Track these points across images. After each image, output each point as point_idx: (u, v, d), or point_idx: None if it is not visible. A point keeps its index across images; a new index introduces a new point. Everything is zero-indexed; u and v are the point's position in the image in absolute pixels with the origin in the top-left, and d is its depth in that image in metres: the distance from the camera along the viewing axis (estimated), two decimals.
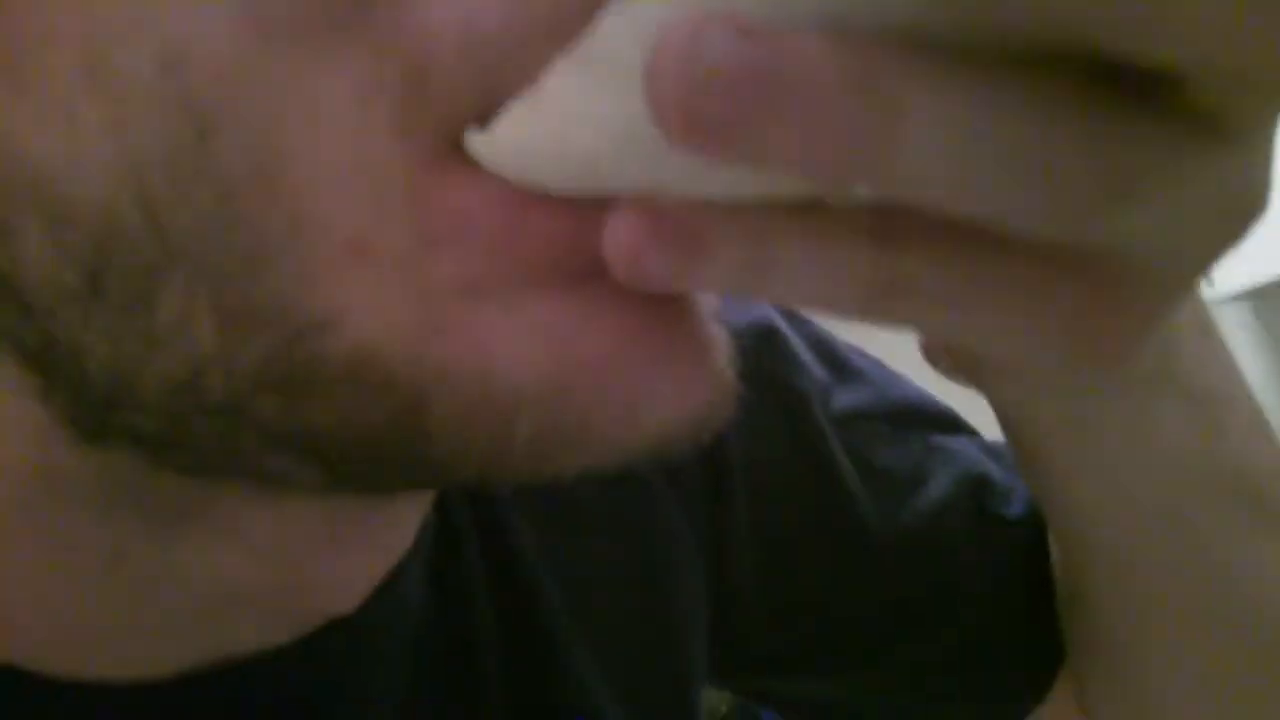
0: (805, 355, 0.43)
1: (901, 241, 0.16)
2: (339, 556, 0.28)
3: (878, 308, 0.16)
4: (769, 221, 0.16)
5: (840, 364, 0.44)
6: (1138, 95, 0.13)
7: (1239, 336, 1.44)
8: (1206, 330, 0.32)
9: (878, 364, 0.46)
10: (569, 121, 0.16)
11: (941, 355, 0.22)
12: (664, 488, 0.39)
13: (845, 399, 0.43)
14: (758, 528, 0.41)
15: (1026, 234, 0.15)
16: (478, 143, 0.18)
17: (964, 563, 0.42)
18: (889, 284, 0.16)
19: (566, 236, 0.18)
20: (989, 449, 0.45)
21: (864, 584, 0.42)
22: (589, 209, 0.18)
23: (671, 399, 0.20)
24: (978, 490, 0.43)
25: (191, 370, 0.19)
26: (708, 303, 0.21)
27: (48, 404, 0.21)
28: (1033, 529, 0.43)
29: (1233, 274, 1.41)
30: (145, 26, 0.17)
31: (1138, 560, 0.34)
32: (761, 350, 0.42)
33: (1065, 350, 0.17)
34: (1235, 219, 0.16)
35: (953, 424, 0.46)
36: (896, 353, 0.47)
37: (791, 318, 0.45)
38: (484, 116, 0.18)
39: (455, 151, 0.18)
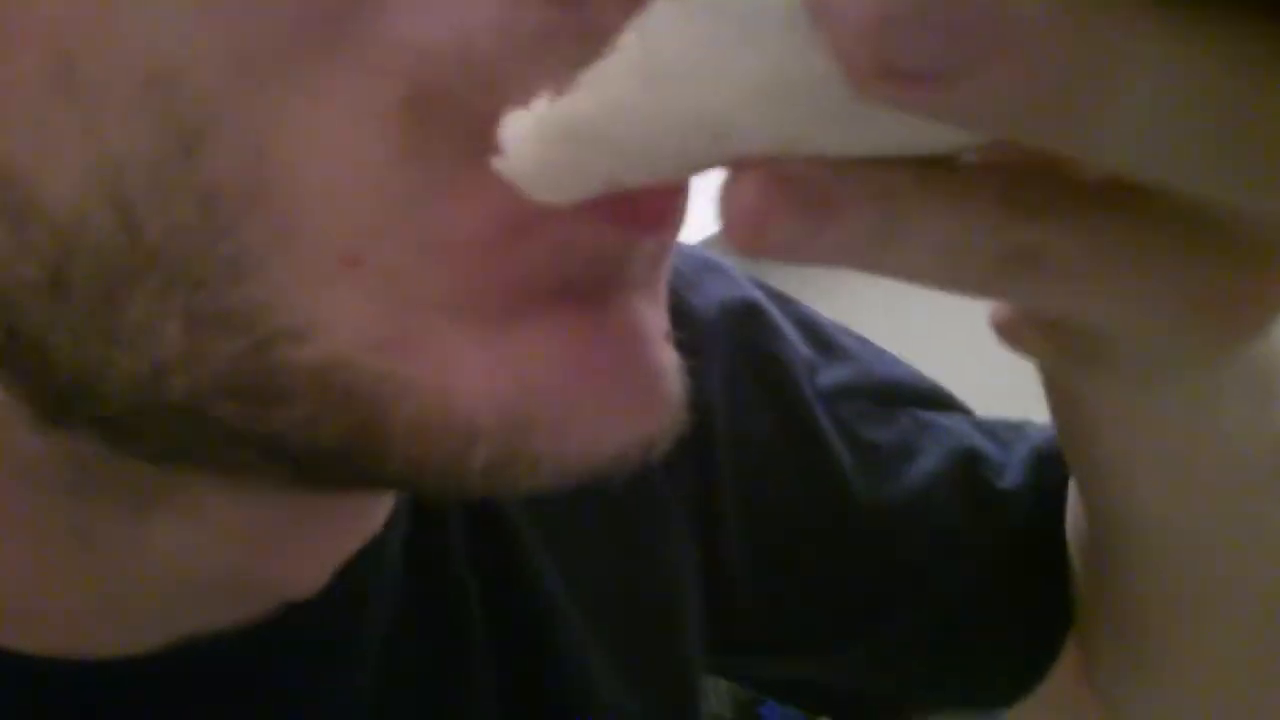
0: (790, 333, 0.43)
1: (1035, 207, 0.15)
2: (305, 539, 0.28)
3: (1004, 280, 0.15)
4: (898, 182, 0.15)
5: (826, 341, 0.44)
6: None
7: None
8: None
9: (864, 341, 0.45)
10: (685, 84, 0.14)
11: (1027, 332, 0.21)
12: (651, 465, 0.39)
13: (831, 375, 0.43)
14: (746, 503, 0.40)
15: (1203, 200, 0.14)
16: (516, 148, 0.16)
17: (956, 537, 0.42)
18: (1018, 254, 0.15)
19: (555, 254, 0.19)
20: (980, 425, 0.45)
21: (855, 557, 0.41)
22: (576, 225, 0.18)
23: (624, 425, 0.21)
24: (969, 464, 0.42)
25: (154, 370, 0.19)
26: (659, 324, 0.21)
27: (9, 390, 0.21)
28: (1027, 503, 0.42)
29: None
30: (122, 42, 0.17)
31: (1188, 542, 0.34)
32: (745, 326, 0.42)
33: (1201, 321, 0.16)
34: None
35: (942, 400, 0.45)
36: (885, 333, 0.47)
37: (775, 297, 0.44)
38: (487, 131, 0.17)
39: (459, 166, 0.18)
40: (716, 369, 0.40)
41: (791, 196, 0.14)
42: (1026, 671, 0.43)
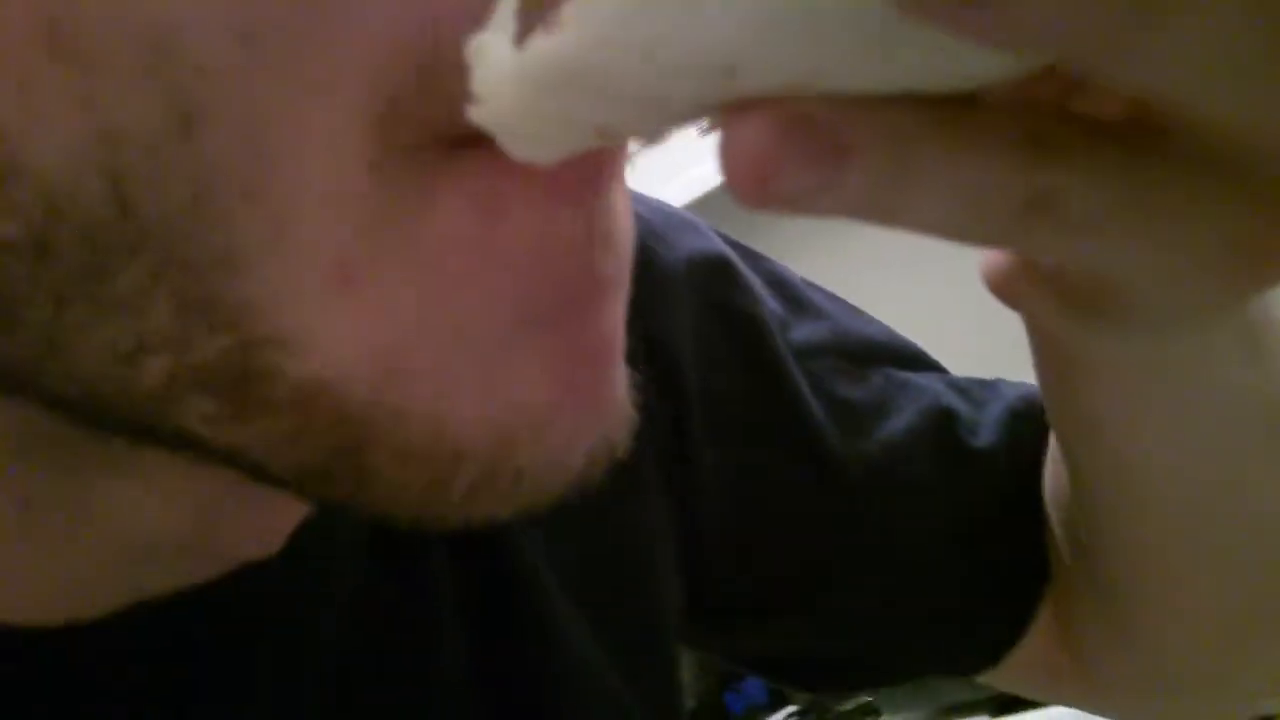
0: (760, 289, 0.42)
1: (1055, 147, 0.14)
2: (260, 502, 0.27)
3: (1024, 228, 0.15)
4: (913, 124, 0.14)
5: (797, 298, 0.43)
6: None
7: None
8: None
9: (836, 299, 0.45)
10: (690, 13, 0.13)
11: (1027, 286, 0.21)
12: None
13: (803, 332, 0.42)
14: (720, 460, 0.39)
15: (1234, 137, 0.14)
16: (493, 94, 0.15)
17: (930, 495, 0.41)
18: (1039, 199, 0.14)
19: (540, 255, 0.19)
20: (953, 383, 0.44)
21: (829, 515, 0.40)
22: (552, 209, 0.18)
23: (592, 434, 0.21)
24: (943, 423, 0.42)
25: (136, 345, 0.18)
26: (618, 336, 0.21)
27: None
28: (1002, 461, 0.42)
29: None
30: (126, 4, 0.16)
31: (1178, 502, 0.34)
32: (714, 280, 0.41)
33: (1219, 268, 0.16)
34: None
35: (915, 359, 0.44)
36: (856, 291, 0.46)
37: (745, 253, 0.43)
38: (460, 129, 0.16)
39: (439, 168, 0.18)
40: (685, 323, 0.39)
41: (802, 141, 0.13)
42: (1001, 634, 0.43)
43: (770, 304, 0.42)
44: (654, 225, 0.40)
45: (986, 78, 0.14)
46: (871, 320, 0.45)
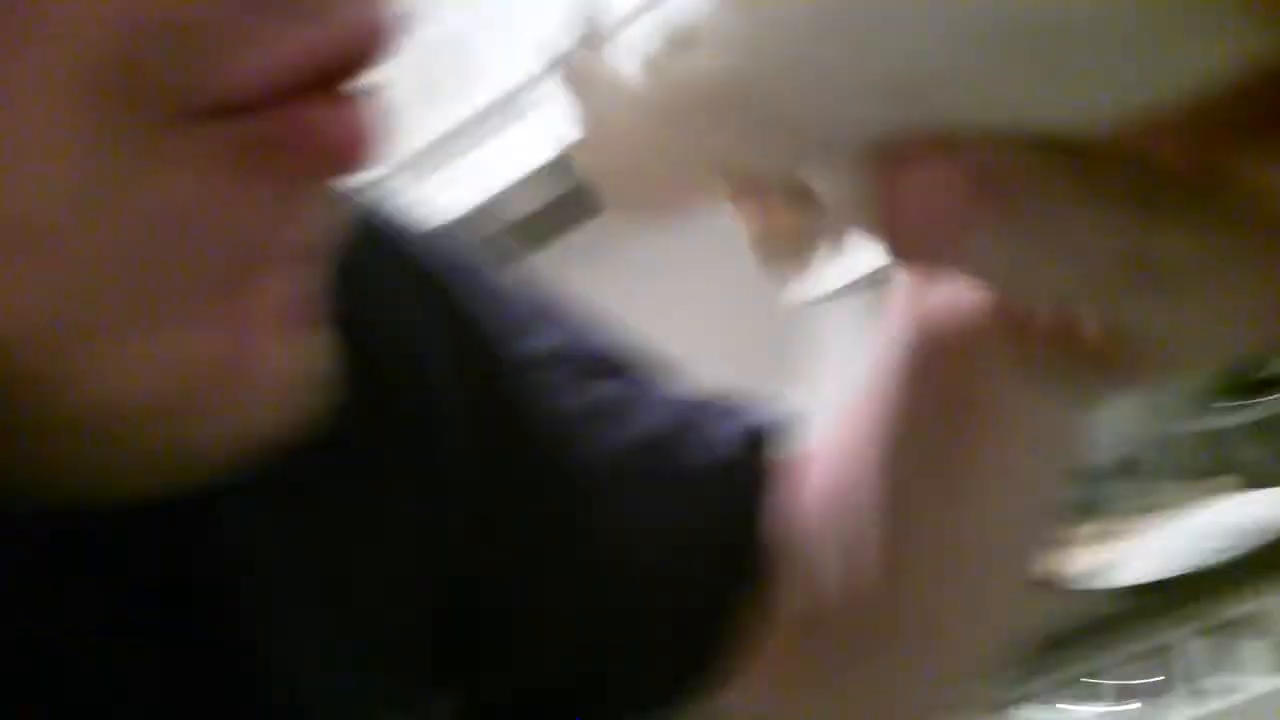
0: (498, 295, 0.41)
1: (1155, 208, 0.15)
2: None
3: (1118, 286, 0.15)
4: (1045, 171, 0.14)
5: (537, 308, 0.43)
6: None
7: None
8: None
9: (578, 309, 0.44)
10: (877, 32, 0.11)
11: (1015, 338, 0.20)
12: (375, 430, 0.36)
13: (537, 342, 0.41)
14: (458, 462, 0.38)
15: None
16: (606, 127, 0.12)
17: (652, 510, 0.41)
18: (1135, 258, 0.15)
19: (251, 238, 0.19)
20: (688, 398, 0.43)
21: (554, 526, 0.40)
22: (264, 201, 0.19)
23: (272, 416, 0.21)
24: (671, 436, 0.41)
25: None
26: (307, 302, 0.21)
27: None
28: (725, 482, 0.42)
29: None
30: None
31: (1013, 557, 0.36)
32: (456, 284, 0.40)
33: (1265, 329, 0.16)
34: None
35: (652, 372, 0.44)
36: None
37: (484, 258, 0.43)
38: (189, 99, 0.17)
39: (153, 142, 0.18)
40: (427, 324, 0.38)
41: (987, 199, 0.13)
42: (708, 663, 0.41)
43: (508, 310, 0.41)
44: (393, 227, 0.39)
45: (1154, 102, 0.13)
46: (614, 332, 0.44)
